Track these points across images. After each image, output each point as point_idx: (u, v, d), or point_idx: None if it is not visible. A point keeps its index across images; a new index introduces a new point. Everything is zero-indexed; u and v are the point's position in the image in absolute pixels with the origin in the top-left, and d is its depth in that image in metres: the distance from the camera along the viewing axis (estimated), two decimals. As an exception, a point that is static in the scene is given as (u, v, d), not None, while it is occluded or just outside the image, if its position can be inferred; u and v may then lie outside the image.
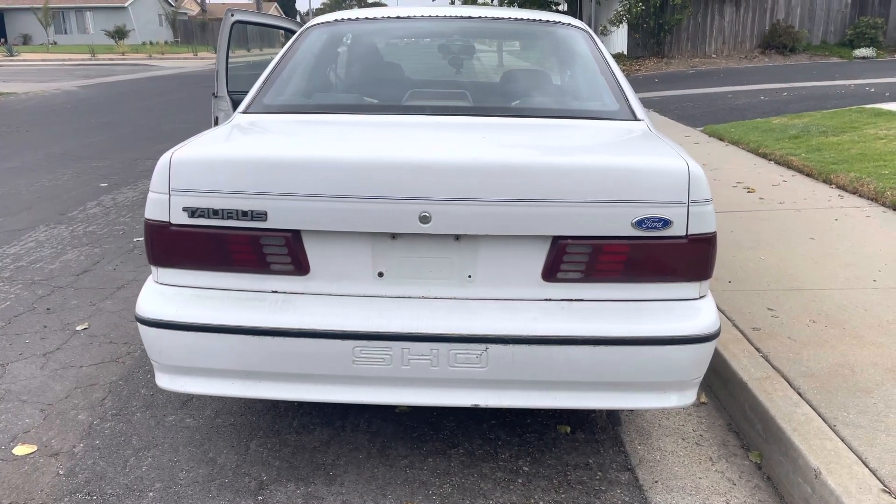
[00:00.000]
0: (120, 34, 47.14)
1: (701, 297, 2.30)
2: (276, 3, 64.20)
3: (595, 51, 3.23)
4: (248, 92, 3.04)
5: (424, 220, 2.16)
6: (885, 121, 8.66)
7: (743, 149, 8.08)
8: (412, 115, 2.85)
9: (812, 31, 21.89)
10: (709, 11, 21.78)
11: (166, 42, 52.17)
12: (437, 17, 3.51)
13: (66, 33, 53.25)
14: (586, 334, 2.20)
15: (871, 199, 5.59)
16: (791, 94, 13.03)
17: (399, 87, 3.39)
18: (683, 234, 2.18)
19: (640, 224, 2.16)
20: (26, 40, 50.94)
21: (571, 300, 2.27)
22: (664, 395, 2.30)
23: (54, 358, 3.52)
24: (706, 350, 2.26)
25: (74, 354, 3.56)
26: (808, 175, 6.57)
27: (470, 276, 2.28)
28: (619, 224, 2.17)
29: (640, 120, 2.78)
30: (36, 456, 2.71)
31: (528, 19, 3.54)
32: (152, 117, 13.56)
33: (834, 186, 6.10)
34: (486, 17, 3.58)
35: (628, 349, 2.21)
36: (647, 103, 12.36)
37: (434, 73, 4.48)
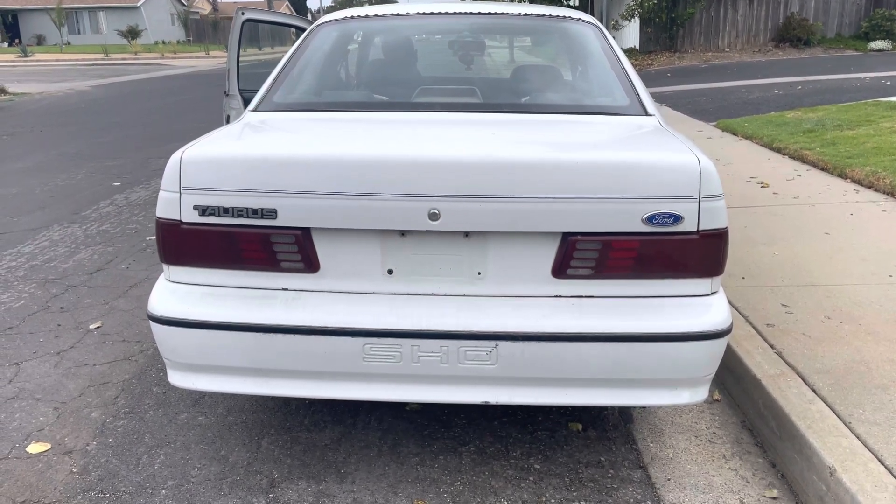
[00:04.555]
0: (132, 34, 47.38)
1: (713, 293, 2.28)
2: (287, 1, 64.36)
3: (605, 46, 3.21)
4: (259, 90, 3.05)
5: (434, 217, 2.15)
6: (901, 114, 8.55)
7: (757, 143, 8.01)
8: (422, 112, 2.84)
9: (826, 24, 21.69)
10: (722, 5, 21.62)
11: (178, 41, 52.43)
12: (446, 13, 3.50)
13: (79, 33, 53.61)
14: (597, 331, 2.18)
15: (887, 194, 5.53)
16: (805, 88, 12.92)
17: (409, 84, 3.38)
18: (695, 229, 2.16)
19: (650, 220, 2.14)
20: (40, 41, 51.32)
21: (581, 297, 2.25)
22: (676, 391, 2.28)
23: (68, 356, 3.55)
24: (718, 346, 2.25)
25: (88, 353, 3.58)
26: (822, 169, 6.50)
27: (479, 273, 2.27)
28: (629, 220, 2.15)
29: (650, 115, 2.76)
30: (50, 454, 2.73)
31: (539, 14, 3.52)
32: (164, 116, 13.63)
33: (849, 181, 6.03)
34: (496, 13, 3.57)
35: (639, 346, 2.19)
36: (659, 98, 12.27)
37: (444, 69, 4.47)
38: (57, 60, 36.52)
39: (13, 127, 12.36)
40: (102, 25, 53.89)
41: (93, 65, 33.39)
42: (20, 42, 47.82)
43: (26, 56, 38.57)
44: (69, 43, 49.12)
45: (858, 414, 2.55)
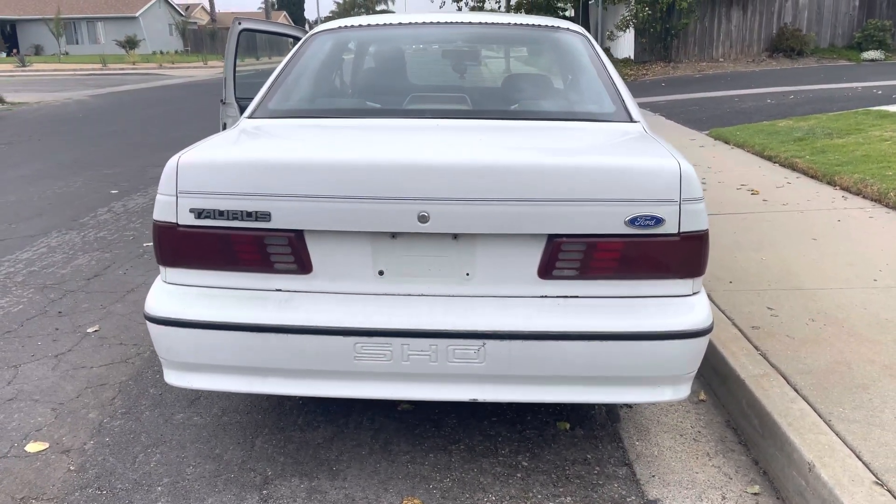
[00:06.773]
0: (131, 44, 47.55)
1: (694, 294, 2.34)
2: (284, 12, 64.67)
3: (592, 54, 3.29)
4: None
5: (423, 219, 2.22)
6: (891, 123, 8.66)
7: (748, 151, 8.10)
8: (413, 119, 2.91)
9: (820, 34, 21.88)
10: (716, 15, 21.80)
11: (176, 51, 52.61)
12: (437, 23, 3.58)
13: (77, 43, 53.74)
14: (581, 330, 2.25)
15: (875, 201, 5.61)
16: (797, 97, 13.04)
17: (400, 91, 3.46)
18: (676, 231, 2.23)
19: (633, 222, 2.21)
20: (38, 51, 51.44)
21: (567, 297, 2.32)
22: (659, 389, 2.35)
23: (66, 359, 3.60)
24: (699, 345, 2.31)
25: (85, 356, 3.64)
26: (812, 177, 6.59)
27: (468, 274, 2.34)
28: (612, 222, 2.22)
29: (636, 122, 2.84)
30: (48, 453, 2.78)
31: (528, 24, 3.60)
32: (162, 126, 13.71)
33: (838, 188, 6.12)
34: (486, 23, 3.65)
35: (623, 344, 2.25)
36: (653, 107, 12.39)
37: (435, 78, 4.55)
38: (55, 70, 36.60)
39: (11, 136, 12.42)
40: (101, 36, 54.04)
41: (91, 74, 33.48)
42: (18, 52, 47.92)
43: (24, 66, 38.63)
44: (67, 53, 49.22)
45: (838, 412, 2.61)
